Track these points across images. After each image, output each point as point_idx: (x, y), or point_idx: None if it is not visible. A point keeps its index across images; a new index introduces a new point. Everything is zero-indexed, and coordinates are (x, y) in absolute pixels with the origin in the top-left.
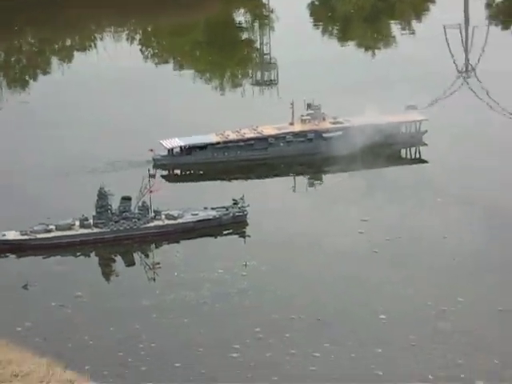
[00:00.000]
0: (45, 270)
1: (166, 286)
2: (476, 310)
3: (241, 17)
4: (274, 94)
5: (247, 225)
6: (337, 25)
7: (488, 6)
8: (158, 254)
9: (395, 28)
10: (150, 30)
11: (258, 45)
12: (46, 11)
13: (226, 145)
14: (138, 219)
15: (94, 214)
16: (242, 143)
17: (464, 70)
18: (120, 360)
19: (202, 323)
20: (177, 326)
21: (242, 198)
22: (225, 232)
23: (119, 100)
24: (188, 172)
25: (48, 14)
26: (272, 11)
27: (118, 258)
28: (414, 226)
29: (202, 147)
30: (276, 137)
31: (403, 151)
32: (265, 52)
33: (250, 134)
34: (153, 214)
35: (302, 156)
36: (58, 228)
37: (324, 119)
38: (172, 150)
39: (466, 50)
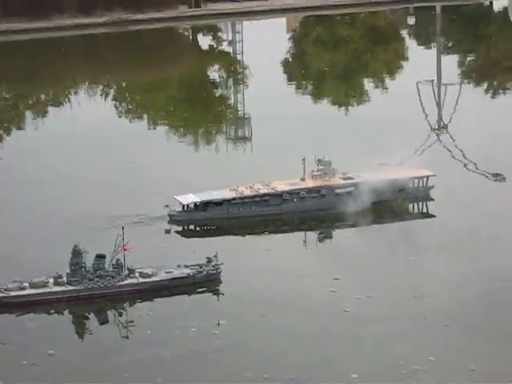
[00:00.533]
0: (18, 327)
1: (139, 344)
2: (448, 370)
3: (215, 73)
4: (248, 151)
5: (221, 283)
6: (310, 82)
7: (460, 63)
8: (131, 312)
9: (368, 85)
10: (124, 85)
11: (232, 101)
12: (21, 66)
13: (242, 200)
14: (112, 277)
15: (68, 271)
16: (257, 199)
17: (437, 127)
18: None
19: (175, 382)
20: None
21: (215, 256)
22: (199, 290)
23: (97, 157)
24: (203, 228)
25: (22, 66)
26: (246, 68)
27: (92, 316)
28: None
29: (218, 203)
30: (290, 192)
31: (411, 206)
32: (238, 108)
33: (264, 190)
34: (127, 272)
35: (314, 211)
36: (32, 285)
37: (334, 175)
38: (187, 205)
39: (439, 107)
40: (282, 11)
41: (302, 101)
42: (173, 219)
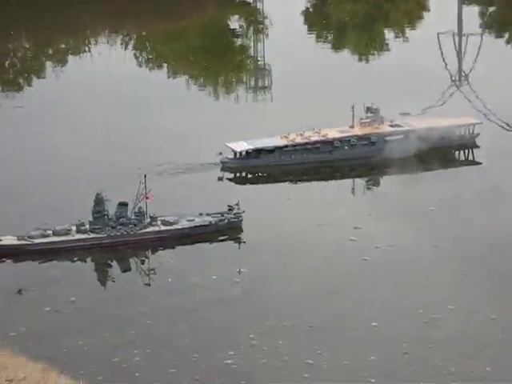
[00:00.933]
0: (41, 275)
1: (160, 292)
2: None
3: (235, 23)
4: (268, 101)
5: (242, 231)
6: (331, 32)
7: (482, 14)
8: (153, 260)
9: (389, 35)
10: (144, 34)
11: (252, 51)
12: (41, 15)
13: (294, 148)
14: (135, 225)
15: (91, 219)
16: (309, 146)
17: (457, 78)
18: (115, 366)
19: (196, 330)
20: (171, 332)
21: (237, 204)
22: (220, 238)
23: (125, 107)
24: (256, 174)
25: (44, 18)
26: (266, 17)
27: (114, 264)
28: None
29: (270, 150)
30: (341, 140)
31: (457, 153)
32: (259, 58)
33: (315, 137)
34: (149, 220)
35: (364, 158)
36: (55, 233)
37: (382, 122)
38: (240, 152)
39: (460, 58)
40: None
41: (322, 51)
42: (225, 166)
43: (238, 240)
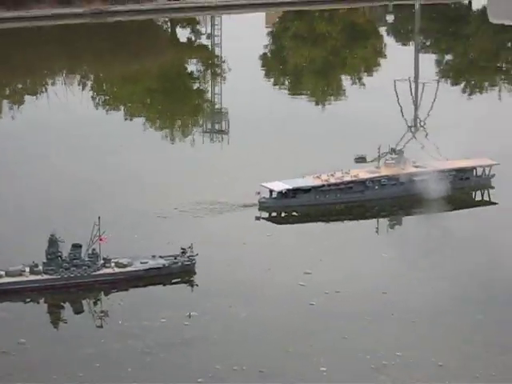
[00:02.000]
0: None
1: (111, 334)
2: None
3: (193, 66)
4: (225, 143)
5: (195, 274)
6: (288, 77)
7: (438, 62)
8: (105, 302)
9: (346, 81)
10: (101, 76)
11: (209, 95)
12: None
13: (329, 188)
14: (88, 266)
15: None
16: (342, 186)
17: (413, 124)
18: None
19: (144, 373)
20: (120, 374)
21: (190, 247)
22: (173, 281)
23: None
24: (293, 214)
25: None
26: (224, 61)
27: (67, 305)
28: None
29: (307, 190)
30: (372, 180)
31: (474, 193)
32: (216, 102)
33: (347, 178)
34: (102, 262)
35: (394, 198)
36: (8, 274)
37: (406, 163)
38: (278, 192)
39: (416, 105)
40: (262, 6)
41: (279, 96)
42: (263, 206)
43: (191, 283)
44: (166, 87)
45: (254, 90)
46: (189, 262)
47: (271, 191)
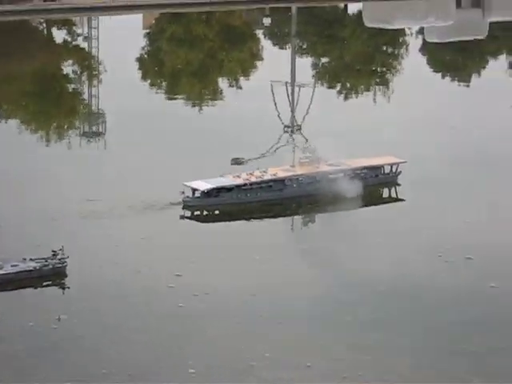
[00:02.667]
0: None
1: None
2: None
3: (69, 68)
4: (102, 146)
5: (66, 276)
6: (165, 79)
7: (315, 65)
8: None
9: (223, 84)
10: None
11: (85, 96)
12: None
13: (251, 186)
14: None
15: None
16: (263, 185)
17: (290, 126)
18: None
19: (12, 378)
20: None
21: (61, 249)
22: (45, 283)
23: None
24: (216, 212)
25: None
26: (100, 63)
27: None
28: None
29: (229, 189)
30: (291, 178)
31: (383, 190)
32: (92, 104)
33: (267, 176)
34: None
35: (311, 196)
36: None
37: (319, 162)
38: (204, 191)
39: (292, 108)
40: (139, 7)
41: (155, 98)
42: (187, 205)
43: (62, 285)
44: (41, 89)
45: (130, 92)
46: (60, 265)
47: (194, 190)
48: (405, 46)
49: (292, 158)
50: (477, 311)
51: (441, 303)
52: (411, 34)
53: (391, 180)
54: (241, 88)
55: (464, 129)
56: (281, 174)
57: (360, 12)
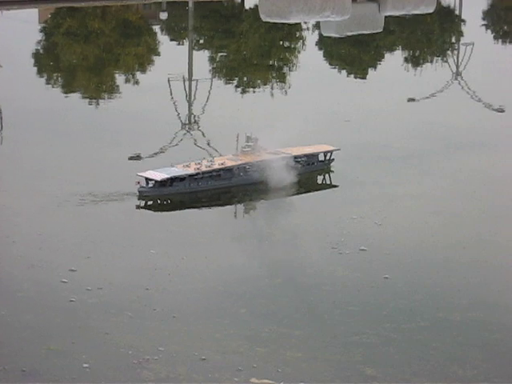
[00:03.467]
0: None
1: None
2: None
3: None
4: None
5: None
6: (60, 74)
7: (212, 59)
8: None
9: (120, 79)
10: None
11: None
12: None
13: (202, 175)
14: None
15: None
16: (214, 173)
17: (187, 121)
18: None
19: None
20: None
21: None
22: None
23: None
24: (168, 201)
25: None
26: None
27: None
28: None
29: (182, 178)
30: (239, 167)
31: (317, 178)
32: None
33: (215, 165)
34: None
35: (255, 184)
36: None
37: (260, 151)
38: (159, 181)
39: (190, 103)
40: (33, 2)
41: (51, 93)
42: (143, 195)
43: None
44: None
45: (26, 87)
46: None
47: (147, 180)
48: (301, 41)
49: (191, 152)
50: (372, 302)
51: (337, 295)
52: (308, 29)
53: (325, 167)
54: (138, 83)
55: (358, 121)
56: (229, 163)
57: (257, 6)
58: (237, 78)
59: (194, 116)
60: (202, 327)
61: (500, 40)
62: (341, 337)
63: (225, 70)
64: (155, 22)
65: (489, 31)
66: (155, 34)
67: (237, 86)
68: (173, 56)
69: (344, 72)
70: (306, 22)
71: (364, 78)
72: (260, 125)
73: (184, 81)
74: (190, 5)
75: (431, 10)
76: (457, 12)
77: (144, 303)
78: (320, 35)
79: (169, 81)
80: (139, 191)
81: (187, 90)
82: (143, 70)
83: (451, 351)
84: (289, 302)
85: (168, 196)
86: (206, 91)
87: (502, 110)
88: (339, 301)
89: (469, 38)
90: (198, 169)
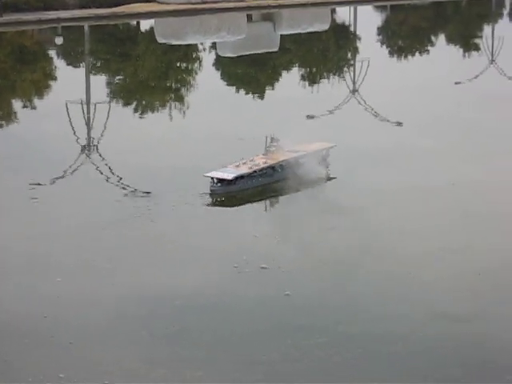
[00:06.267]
0: None
1: None
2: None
3: None
4: None
5: None
6: None
7: (109, 83)
8: None
9: (17, 105)
10: None
11: None
12: None
13: (255, 174)
14: None
15: None
16: (264, 171)
17: (87, 145)
18: None
19: None
20: None
21: None
22: None
23: None
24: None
25: None
26: None
27: None
28: None
29: (242, 177)
30: (280, 164)
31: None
32: None
33: (262, 165)
34: None
35: (287, 180)
36: None
37: (283, 150)
38: (229, 180)
39: (89, 126)
40: None
41: None
42: (215, 193)
43: None
44: None
45: None
46: None
47: (215, 179)
48: (198, 61)
49: (93, 175)
50: (273, 320)
51: (236, 315)
52: (204, 50)
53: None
54: (35, 108)
55: (251, 139)
56: (269, 162)
57: (152, 29)
58: (135, 101)
59: (93, 140)
60: (103, 350)
61: (395, 55)
62: (244, 356)
63: (122, 94)
64: (51, 47)
65: (384, 46)
66: (51, 58)
67: (135, 109)
68: (70, 81)
69: (241, 91)
70: (202, 43)
71: (262, 97)
72: (156, 145)
73: (82, 105)
74: (86, 29)
75: (326, 27)
76: (352, 28)
77: (40, 329)
78: (217, 55)
79: (67, 105)
80: (211, 190)
81: (85, 114)
82: (40, 96)
83: (353, 364)
84: (190, 323)
85: (233, 193)
86: (104, 115)
87: (399, 124)
88: (239, 320)
89: (365, 54)
90: (249, 168)
